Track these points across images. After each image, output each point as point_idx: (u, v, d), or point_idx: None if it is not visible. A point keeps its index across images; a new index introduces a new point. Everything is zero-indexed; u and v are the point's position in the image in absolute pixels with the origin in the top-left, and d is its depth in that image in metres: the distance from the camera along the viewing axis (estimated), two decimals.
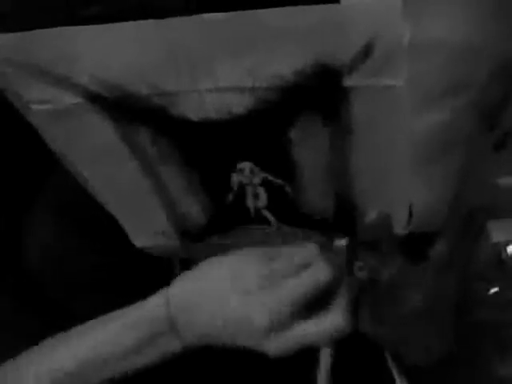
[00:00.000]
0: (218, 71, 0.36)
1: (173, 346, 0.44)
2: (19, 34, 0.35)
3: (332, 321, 0.42)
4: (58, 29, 0.35)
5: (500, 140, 0.42)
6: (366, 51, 0.34)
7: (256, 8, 0.33)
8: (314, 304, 0.42)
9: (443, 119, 0.38)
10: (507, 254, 0.54)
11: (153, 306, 0.44)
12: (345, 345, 0.53)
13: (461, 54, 0.34)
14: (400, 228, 0.46)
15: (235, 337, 0.42)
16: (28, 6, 0.36)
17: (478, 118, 0.39)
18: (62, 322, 0.61)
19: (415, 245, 0.47)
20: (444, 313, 0.50)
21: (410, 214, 0.45)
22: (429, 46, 0.34)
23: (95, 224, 0.58)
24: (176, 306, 0.43)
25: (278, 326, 0.41)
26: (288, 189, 0.45)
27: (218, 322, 0.42)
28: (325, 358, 0.44)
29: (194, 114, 0.39)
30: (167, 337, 0.43)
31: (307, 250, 0.44)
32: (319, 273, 0.42)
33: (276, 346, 0.41)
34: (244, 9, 0.33)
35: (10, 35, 0.35)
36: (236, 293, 0.42)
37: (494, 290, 0.56)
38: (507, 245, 0.54)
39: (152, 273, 0.60)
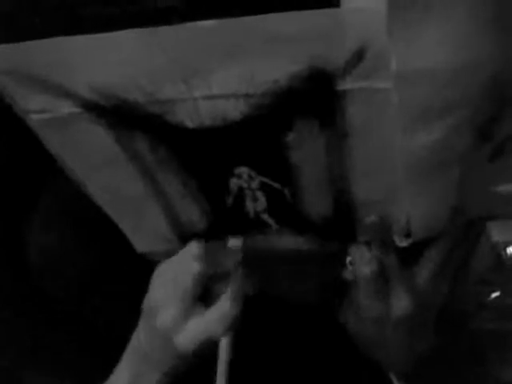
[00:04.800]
0: (212, 78, 0.37)
1: None
2: (14, 45, 0.36)
3: (220, 309, 0.45)
4: (53, 39, 0.35)
5: (495, 150, 0.42)
6: (359, 55, 0.34)
7: (251, 14, 0.34)
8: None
9: (437, 138, 0.38)
10: (507, 255, 0.54)
11: None
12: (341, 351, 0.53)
13: (450, 79, 0.34)
14: (399, 239, 0.47)
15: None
16: (28, 5, 0.37)
17: (472, 132, 0.39)
18: (62, 323, 0.62)
19: (409, 248, 0.47)
20: (428, 319, 0.50)
21: (408, 225, 0.45)
22: (417, 74, 0.34)
23: (96, 227, 0.58)
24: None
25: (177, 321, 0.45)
26: (286, 192, 0.45)
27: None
28: (223, 350, 0.46)
29: (189, 121, 0.39)
30: None
31: None
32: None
33: (183, 341, 0.45)
34: (238, 15, 0.34)
35: (5, 46, 0.36)
36: None
37: (495, 294, 0.56)
38: (507, 246, 0.54)
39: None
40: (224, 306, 0.45)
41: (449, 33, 0.33)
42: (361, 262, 0.46)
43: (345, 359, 0.59)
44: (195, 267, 0.46)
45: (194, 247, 0.48)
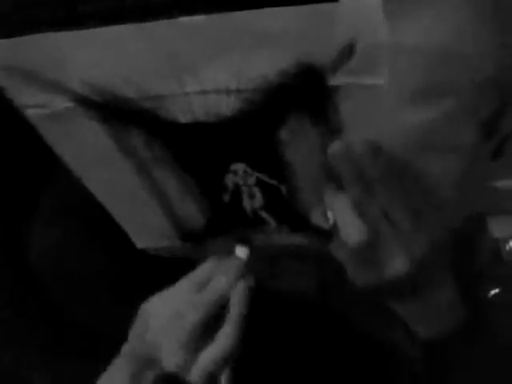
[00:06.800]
0: (203, 74, 0.36)
1: None
2: (8, 40, 0.36)
3: (224, 342, 0.45)
4: (46, 34, 0.35)
5: (497, 148, 0.42)
6: (349, 51, 0.34)
7: (242, 9, 0.33)
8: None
9: (433, 119, 0.38)
10: (507, 251, 0.53)
11: None
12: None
13: (438, 58, 0.34)
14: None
15: None
16: (28, 3, 0.37)
17: (476, 127, 0.39)
18: (62, 324, 0.62)
19: None
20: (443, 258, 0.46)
21: None
22: (407, 48, 0.34)
23: (97, 226, 0.58)
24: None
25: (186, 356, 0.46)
26: (283, 189, 0.45)
27: None
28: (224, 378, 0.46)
29: (182, 117, 0.39)
30: None
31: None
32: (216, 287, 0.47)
33: (195, 377, 0.46)
34: (240, 8, 0.33)
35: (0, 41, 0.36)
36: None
37: (494, 291, 0.55)
38: (507, 241, 0.53)
39: (154, 274, 0.61)
40: (225, 332, 0.46)
41: (443, 14, 0.33)
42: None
43: (344, 355, 0.59)
44: (194, 316, 0.46)
45: (185, 285, 0.48)
